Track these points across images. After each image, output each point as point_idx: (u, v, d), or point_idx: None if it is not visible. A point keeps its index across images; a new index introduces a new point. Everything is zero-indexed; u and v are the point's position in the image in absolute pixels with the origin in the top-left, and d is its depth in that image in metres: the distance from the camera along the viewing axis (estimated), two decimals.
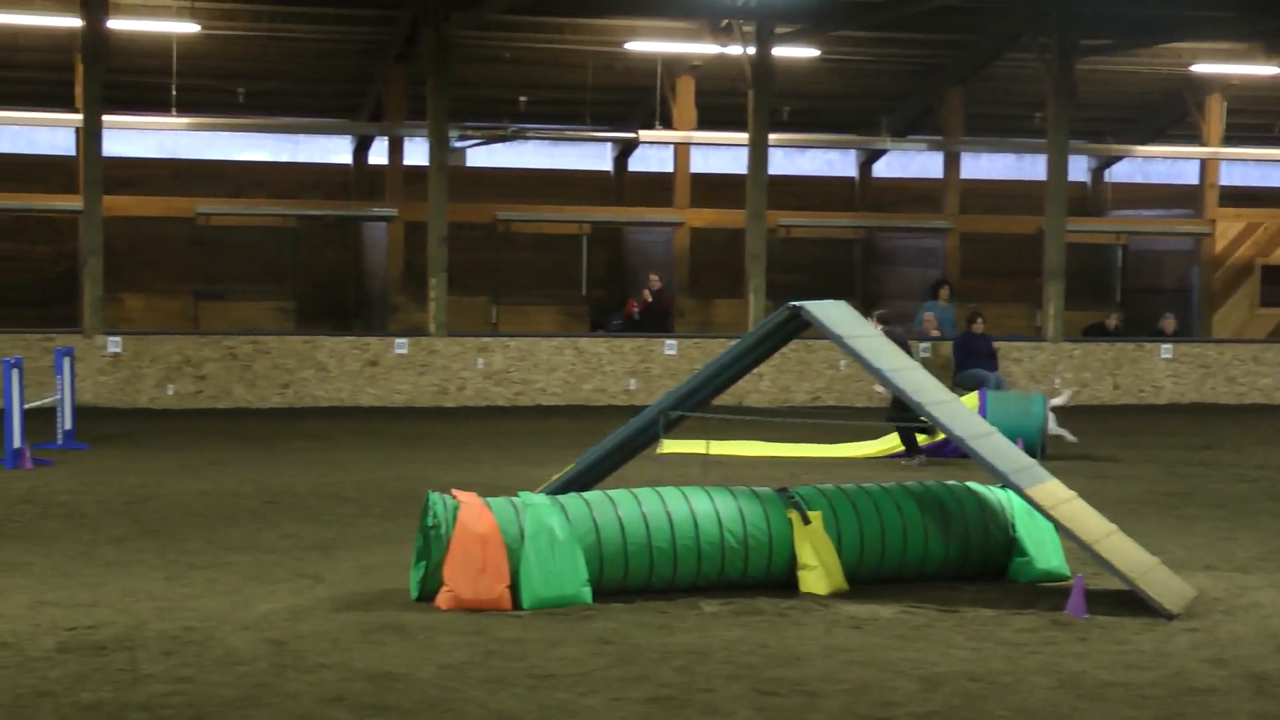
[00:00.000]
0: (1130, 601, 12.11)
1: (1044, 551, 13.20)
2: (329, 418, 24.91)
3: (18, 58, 29.36)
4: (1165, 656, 10.84)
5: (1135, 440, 23.76)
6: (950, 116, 32.40)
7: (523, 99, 31.80)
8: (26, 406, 19.29)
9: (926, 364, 20.92)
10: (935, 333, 28.29)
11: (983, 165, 36.07)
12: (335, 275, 32.04)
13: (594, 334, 29.48)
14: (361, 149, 32.76)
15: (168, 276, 30.26)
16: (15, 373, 18.98)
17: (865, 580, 12.70)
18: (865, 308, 23.45)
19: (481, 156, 34.10)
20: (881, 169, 35.40)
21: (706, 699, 9.67)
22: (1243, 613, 12.20)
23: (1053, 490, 12.65)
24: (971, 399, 20.44)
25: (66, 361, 20.88)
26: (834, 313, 13.26)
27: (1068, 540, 12.69)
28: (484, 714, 9.27)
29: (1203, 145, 33.66)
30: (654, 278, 30.19)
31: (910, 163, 35.82)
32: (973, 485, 13.54)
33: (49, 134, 31.28)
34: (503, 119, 31.43)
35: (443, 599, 11.80)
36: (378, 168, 32.35)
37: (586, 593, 11.99)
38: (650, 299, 29.87)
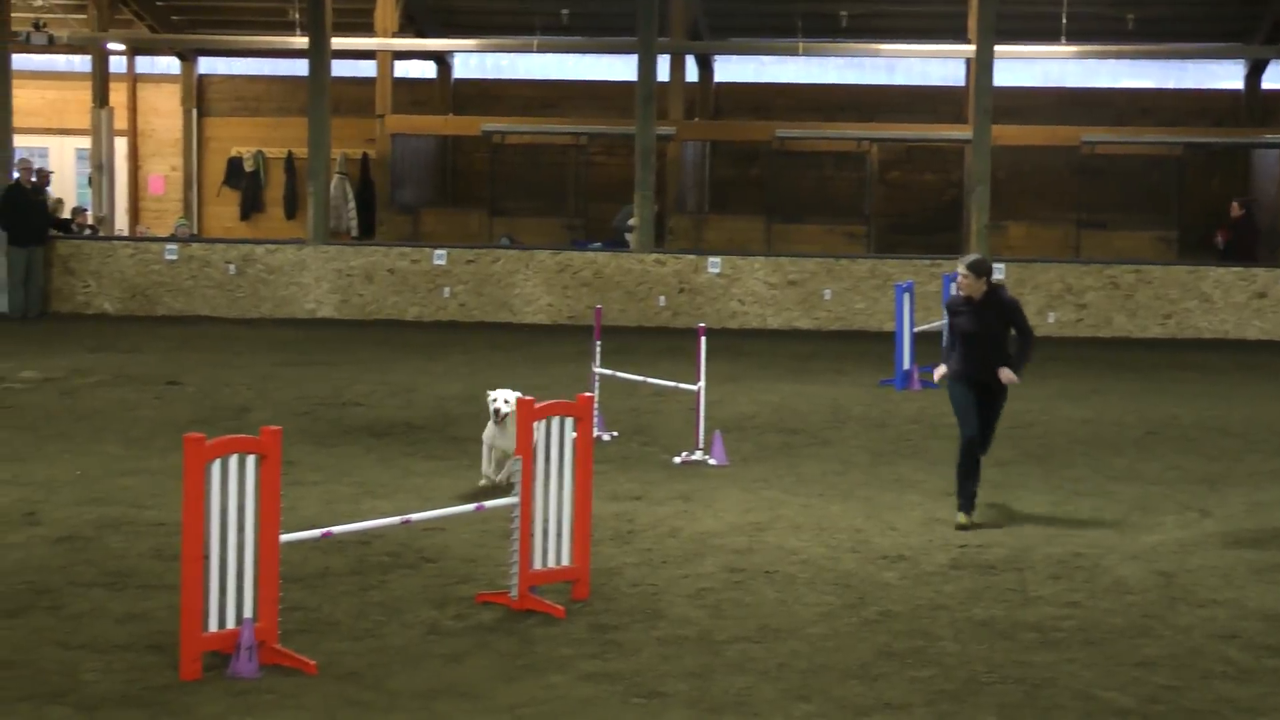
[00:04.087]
0: None
1: None
2: (1212, 349, 24.41)
3: None
4: None
5: None
6: None
7: None
8: (915, 330, 20.00)
9: None
10: None
11: None
12: (1221, 205, 31.24)
13: None
14: (1254, 74, 31.73)
15: (1050, 205, 30.51)
16: (907, 297, 19.69)
17: None
18: None
19: None
20: None
21: None
22: None
23: None
24: None
25: (952, 287, 21.38)
26: None
27: None
28: None
29: None
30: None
31: None
32: None
33: (940, 65, 32.07)
34: None
35: None
36: (1272, 93, 31.22)
37: None
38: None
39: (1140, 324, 25.54)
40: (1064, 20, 28.68)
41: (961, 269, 12.27)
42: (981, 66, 26.06)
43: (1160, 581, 10.54)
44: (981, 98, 26.04)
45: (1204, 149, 30.81)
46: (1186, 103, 32.21)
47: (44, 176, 27.08)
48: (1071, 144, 29.93)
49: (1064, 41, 29.00)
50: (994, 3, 25.81)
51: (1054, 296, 25.73)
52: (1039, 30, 29.26)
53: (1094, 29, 29.87)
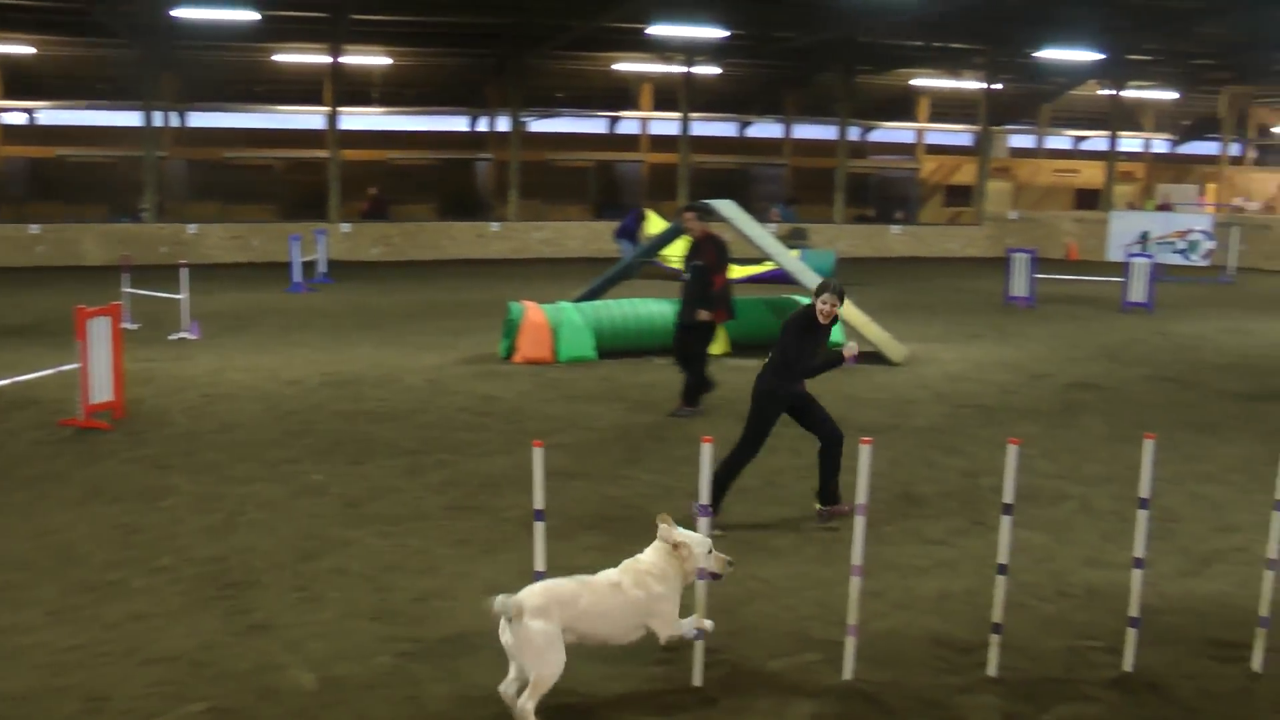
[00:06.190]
0: (877, 357, 12.42)
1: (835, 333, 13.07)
2: (453, 266, 24.57)
3: None
4: (894, 384, 11.28)
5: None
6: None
7: None
8: (302, 260, 19.49)
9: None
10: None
11: None
12: (468, 198, 31.15)
13: None
14: (473, 123, 31.46)
15: (392, 192, 29.76)
16: (296, 243, 19.26)
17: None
18: None
19: None
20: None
21: (657, 407, 10.08)
22: (934, 363, 12.56)
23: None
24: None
25: (323, 237, 21.05)
26: (728, 207, 12.38)
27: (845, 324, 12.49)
28: (543, 415, 9.72)
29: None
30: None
31: None
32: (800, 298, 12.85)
33: (311, 118, 30.29)
34: None
35: (516, 357, 12.15)
36: (496, 133, 31.38)
37: (593, 354, 12.25)
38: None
39: (399, 253, 25.53)
40: (375, 94, 28.11)
41: (829, 296, 6.62)
42: (333, 119, 25.30)
43: (430, 384, 11.04)
44: (334, 137, 25.28)
45: (451, 162, 30.89)
46: (442, 136, 31.03)
47: None
48: (383, 160, 29.46)
49: (378, 104, 28.55)
50: (340, 81, 25.05)
51: (376, 241, 25.42)
52: (367, 98, 28.58)
53: (393, 99, 29.40)
